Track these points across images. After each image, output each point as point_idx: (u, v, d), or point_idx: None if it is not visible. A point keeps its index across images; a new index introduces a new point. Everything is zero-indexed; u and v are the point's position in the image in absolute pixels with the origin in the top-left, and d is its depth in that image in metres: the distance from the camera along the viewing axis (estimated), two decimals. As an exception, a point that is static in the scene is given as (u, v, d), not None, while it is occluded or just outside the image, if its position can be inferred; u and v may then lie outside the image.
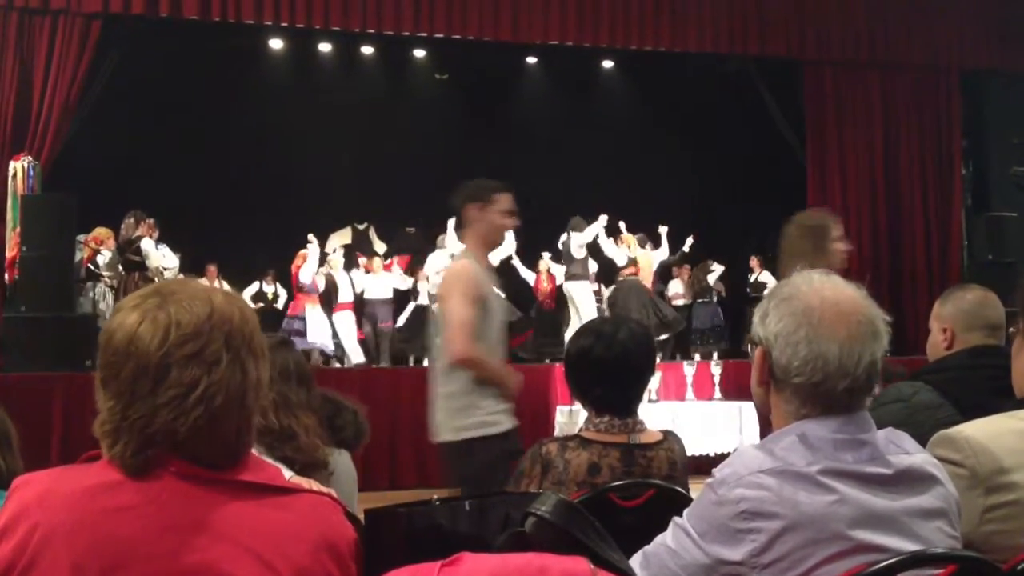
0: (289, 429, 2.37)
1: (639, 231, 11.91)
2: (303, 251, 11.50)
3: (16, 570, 1.27)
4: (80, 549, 1.26)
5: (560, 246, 11.37)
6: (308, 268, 11.31)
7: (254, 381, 1.39)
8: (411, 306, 11.98)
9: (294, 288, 11.54)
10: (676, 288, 13.09)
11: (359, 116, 12.97)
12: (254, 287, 12.17)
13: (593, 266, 11.45)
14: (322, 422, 2.54)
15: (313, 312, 11.23)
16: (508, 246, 11.41)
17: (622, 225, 11.58)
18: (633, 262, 11.42)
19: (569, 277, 11.11)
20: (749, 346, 1.72)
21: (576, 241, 11.05)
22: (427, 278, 11.41)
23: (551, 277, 11.88)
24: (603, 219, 11.28)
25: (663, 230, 11.84)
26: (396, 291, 11.98)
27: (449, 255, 11.17)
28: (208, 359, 1.34)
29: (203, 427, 1.32)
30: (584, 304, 10.89)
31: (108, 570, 1.26)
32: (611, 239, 11.54)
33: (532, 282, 11.97)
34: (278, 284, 12.40)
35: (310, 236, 11.47)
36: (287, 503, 1.37)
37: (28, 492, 1.32)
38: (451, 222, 11.26)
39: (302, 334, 10.97)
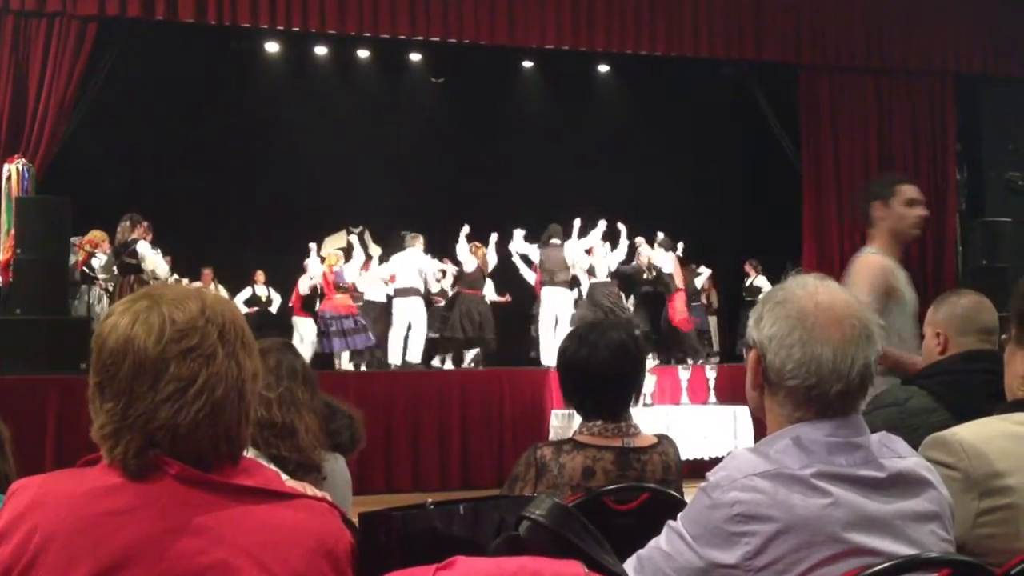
0: (291, 425, 2.38)
1: (636, 234, 11.91)
2: (333, 252, 11.52)
3: (15, 573, 1.27)
4: (79, 552, 1.27)
5: (538, 249, 11.31)
6: (352, 266, 11.32)
7: (250, 373, 1.40)
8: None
9: (327, 288, 11.41)
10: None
11: (355, 119, 12.98)
12: (247, 292, 12.13)
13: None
14: (321, 426, 2.55)
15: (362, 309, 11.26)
16: (517, 243, 11.43)
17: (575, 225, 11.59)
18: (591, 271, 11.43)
19: (555, 283, 11.10)
20: (744, 349, 1.72)
21: (574, 252, 11.06)
22: (393, 278, 11.22)
23: None
24: (602, 224, 11.31)
25: (622, 228, 11.76)
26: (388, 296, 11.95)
27: (419, 256, 11.14)
28: (205, 353, 1.35)
29: (204, 420, 1.33)
30: (563, 311, 10.94)
31: (107, 572, 1.26)
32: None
33: (532, 281, 11.96)
34: (271, 288, 12.36)
35: (326, 240, 11.60)
36: (285, 508, 1.38)
37: (27, 495, 1.33)
38: (464, 228, 11.27)
39: (367, 329, 10.98)
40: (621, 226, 11.67)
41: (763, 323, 1.63)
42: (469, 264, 11.32)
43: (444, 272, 11.72)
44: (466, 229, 11.24)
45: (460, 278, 11.51)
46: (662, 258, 11.75)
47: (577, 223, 11.30)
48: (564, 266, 11.07)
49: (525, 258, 11.60)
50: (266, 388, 2.32)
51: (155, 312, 1.36)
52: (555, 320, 10.91)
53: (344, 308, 11.13)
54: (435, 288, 11.58)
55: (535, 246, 11.31)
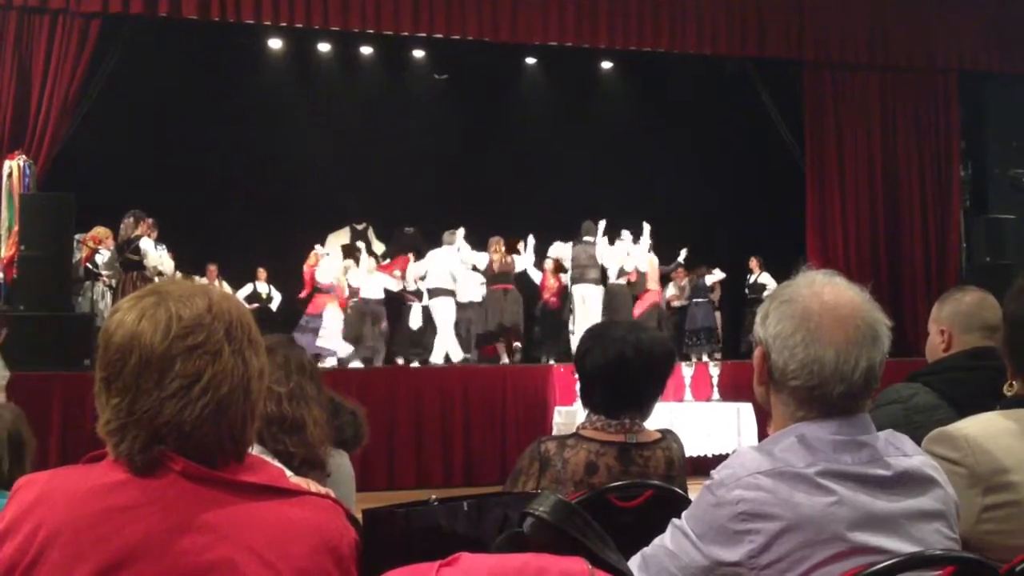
0: (300, 419, 2.39)
1: (635, 233, 11.90)
2: (316, 251, 11.47)
3: (19, 569, 1.27)
4: (84, 547, 1.27)
5: (571, 249, 11.31)
6: (328, 268, 11.26)
7: (256, 371, 1.40)
8: (417, 307, 11.92)
9: (308, 287, 11.43)
10: (671, 291, 13.06)
11: (358, 116, 12.98)
12: (248, 288, 12.14)
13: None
14: (328, 420, 2.55)
15: (331, 313, 11.20)
16: (528, 257, 11.43)
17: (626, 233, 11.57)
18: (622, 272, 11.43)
19: (584, 281, 11.07)
20: (754, 344, 1.71)
21: (594, 251, 11.06)
22: (423, 275, 11.34)
23: (557, 276, 11.87)
24: (628, 236, 11.35)
25: (646, 227, 11.78)
26: (387, 292, 11.94)
27: (454, 255, 11.17)
28: (211, 350, 1.35)
29: (209, 416, 1.33)
30: (594, 309, 10.90)
31: (111, 569, 1.27)
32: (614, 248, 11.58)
33: (538, 280, 11.94)
34: (271, 285, 12.36)
35: (330, 237, 11.52)
36: (290, 505, 1.38)
37: (31, 492, 1.33)
38: (460, 231, 11.26)
39: (315, 332, 10.94)
40: (646, 225, 11.70)
41: (769, 321, 1.63)
42: (481, 262, 11.29)
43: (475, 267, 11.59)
44: (461, 231, 11.24)
45: (487, 274, 11.46)
46: (641, 256, 11.69)
47: (603, 224, 11.26)
48: (595, 263, 11.05)
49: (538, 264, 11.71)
50: (276, 383, 2.33)
51: (162, 308, 1.36)
52: (587, 314, 10.88)
53: (313, 308, 11.15)
54: (463, 287, 11.46)
55: (561, 245, 11.31)
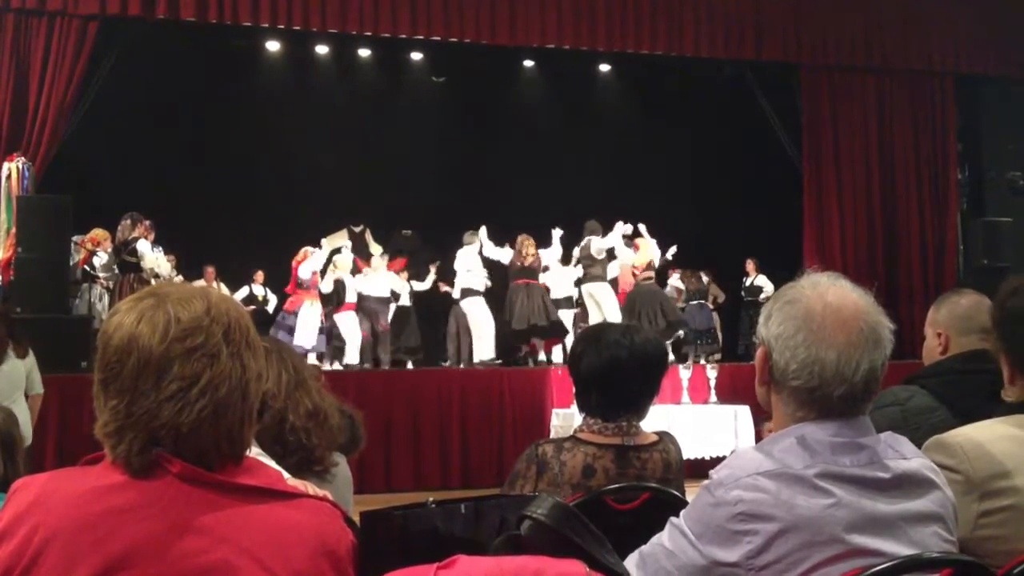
0: (326, 410, 2.39)
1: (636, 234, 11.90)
2: (307, 248, 11.46)
3: (17, 571, 1.27)
4: (81, 550, 1.27)
5: (578, 250, 11.29)
6: (309, 264, 11.23)
7: (254, 373, 1.40)
8: (392, 307, 11.92)
9: (293, 283, 11.42)
10: (669, 293, 13.03)
11: (356, 118, 12.98)
12: (244, 291, 12.14)
13: (613, 269, 11.42)
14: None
15: (309, 310, 11.16)
16: (556, 250, 11.41)
17: (642, 228, 11.53)
18: (649, 265, 11.44)
19: (591, 279, 11.06)
20: (757, 344, 1.72)
21: (595, 246, 11.05)
22: (455, 273, 11.43)
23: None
24: (621, 226, 11.30)
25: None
26: (393, 292, 11.94)
27: (477, 252, 11.17)
28: (209, 352, 1.35)
29: (207, 419, 1.33)
30: (608, 304, 10.87)
31: (109, 571, 1.26)
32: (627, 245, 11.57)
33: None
34: (268, 288, 12.35)
35: (322, 241, 11.51)
36: (287, 508, 1.38)
37: (29, 494, 1.33)
38: (483, 229, 11.25)
39: (291, 332, 10.91)
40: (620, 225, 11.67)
41: (772, 321, 1.63)
42: (504, 257, 11.28)
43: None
44: (483, 230, 11.23)
45: (511, 270, 11.41)
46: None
47: (623, 226, 11.24)
48: (593, 261, 11.04)
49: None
50: (313, 378, 2.35)
51: (160, 310, 1.36)
52: (601, 312, 10.83)
53: (289, 305, 11.17)
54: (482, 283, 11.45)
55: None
